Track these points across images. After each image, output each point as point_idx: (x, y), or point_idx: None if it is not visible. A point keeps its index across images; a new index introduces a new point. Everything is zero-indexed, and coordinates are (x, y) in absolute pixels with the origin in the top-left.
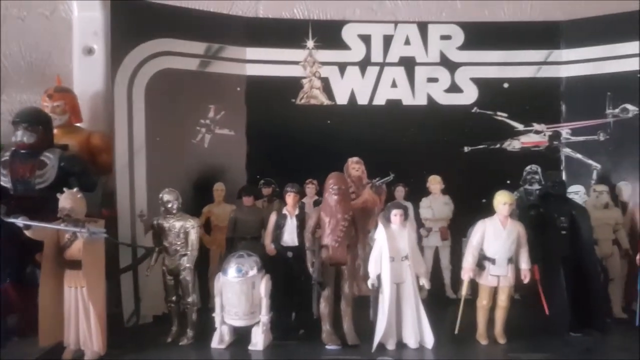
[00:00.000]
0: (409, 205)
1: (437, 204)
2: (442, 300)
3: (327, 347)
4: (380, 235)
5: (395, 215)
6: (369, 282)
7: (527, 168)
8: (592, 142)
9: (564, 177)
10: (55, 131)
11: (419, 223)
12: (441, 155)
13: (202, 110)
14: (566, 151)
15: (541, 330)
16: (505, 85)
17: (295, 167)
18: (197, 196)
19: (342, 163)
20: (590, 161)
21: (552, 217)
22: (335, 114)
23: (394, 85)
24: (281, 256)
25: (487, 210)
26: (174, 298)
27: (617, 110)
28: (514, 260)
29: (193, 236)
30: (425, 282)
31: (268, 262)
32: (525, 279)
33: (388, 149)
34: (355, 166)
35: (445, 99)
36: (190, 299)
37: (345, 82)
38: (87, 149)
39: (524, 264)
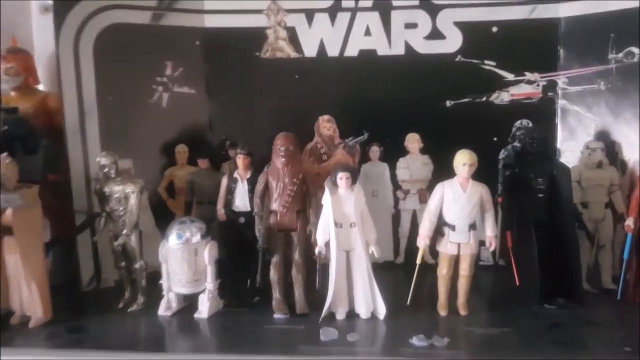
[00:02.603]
0: (385, 166)
1: (415, 165)
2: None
3: (275, 315)
4: (326, 201)
5: (341, 178)
6: (316, 250)
7: (517, 123)
8: (591, 92)
9: (559, 133)
10: (12, 94)
11: (396, 185)
12: (420, 110)
13: (157, 68)
14: (562, 103)
15: (512, 301)
16: (494, 29)
17: (262, 126)
18: (159, 159)
19: (313, 121)
20: (588, 114)
21: (528, 177)
22: (304, 68)
23: (367, 33)
24: (232, 222)
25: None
26: (123, 264)
27: (620, 55)
28: (477, 227)
29: (132, 201)
30: (374, 250)
31: (222, 228)
32: (491, 246)
33: (362, 105)
34: (326, 125)
35: (426, 48)
36: (137, 265)
37: (314, 32)
38: (44, 111)
39: (489, 230)
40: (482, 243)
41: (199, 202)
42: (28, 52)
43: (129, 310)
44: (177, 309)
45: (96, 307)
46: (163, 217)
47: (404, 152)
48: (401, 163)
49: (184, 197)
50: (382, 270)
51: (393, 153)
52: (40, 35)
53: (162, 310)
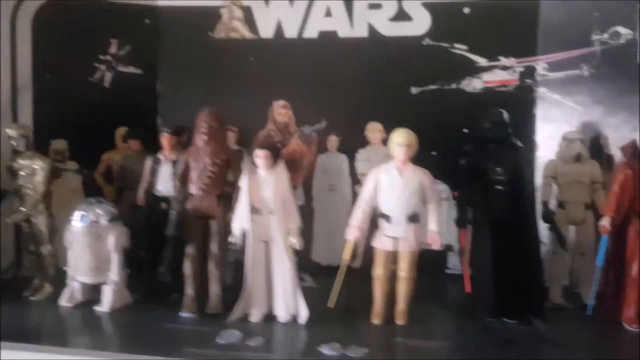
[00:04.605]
0: (344, 157)
1: (376, 157)
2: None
3: (181, 314)
4: (243, 183)
5: (259, 157)
6: (230, 239)
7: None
8: (573, 79)
9: (537, 124)
10: None
11: (355, 178)
12: (383, 98)
13: (101, 45)
14: (541, 91)
15: (467, 312)
16: (466, 10)
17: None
18: (97, 141)
19: (267, 107)
20: (570, 103)
21: (486, 167)
22: (259, 50)
23: (328, 14)
24: (153, 208)
25: (439, 164)
26: (31, 247)
27: (605, 36)
28: (419, 219)
29: (39, 178)
30: (294, 241)
31: (143, 215)
32: (434, 244)
33: (320, 91)
34: (281, 111)
35: (391, 30)
36: (44, 250)
37: (271, 12)
38: None
39: (431, 225)
40: (449, 248)
41: (129, 188)
42: None
43: (32, 299)
44: (81, 300)
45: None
46: None
47: (364, 142)
48: (361, 155)
49: (116, 182)
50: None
51: (353, 144)
52: None
53: (64, 301)
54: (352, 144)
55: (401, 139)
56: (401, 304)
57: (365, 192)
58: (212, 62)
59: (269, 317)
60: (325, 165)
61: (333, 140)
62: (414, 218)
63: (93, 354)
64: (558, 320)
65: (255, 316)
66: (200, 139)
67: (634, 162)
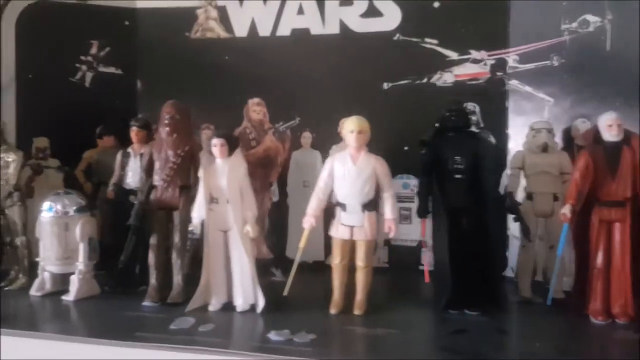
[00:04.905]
0: (317, 154)
1: None
2: None
3: (143, 303)
4: (201, 172)
5: (215, 145)
6: (190, 227)
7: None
8: (544, 70)
9: (508, 116)
10: None
11: None
12: (356, 94)
13: (82, 46)
14: (512, 84)
15: (430, 304)
16: (436, 4)
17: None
18: (78, 139)
19: (242, 105)
20: (541, 94)
21: (445, 156)
22: (234, 49)
23: (300, 12)
24: (121, 201)
25: (412, 159)
26: (6, 239)
27: (575, 25)
28: (375, 206)
29: (10, 170)
30: (250, 229)
31: (113, 208)
32: (391, 232)
33: (294, 88)
34: (255, 108)
35: (362, 26)
36: (18, 241)
37: (245, 11)
38: None
39: (387, 212)
40: (422, 244)
41: (105, 183)
42: None
43: (6, 289)
44: (51, 290)
45: None
46: None
47: (337, 138)
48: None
49: (94, 178)
50: (310, 270)
51: (326, 140)
52: None
53: (34, 290)
54: (326, 140)
55: (352, 126)
56: (359, 294)
57: (321, 180)
58: (189, 61)
59: (230, 307)
60: (300, 161)
61: (307, 137)
62: (369, 206)
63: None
64: (524, 313)
65: (214, 305)
66: (163, 131)
67: (596, 148)
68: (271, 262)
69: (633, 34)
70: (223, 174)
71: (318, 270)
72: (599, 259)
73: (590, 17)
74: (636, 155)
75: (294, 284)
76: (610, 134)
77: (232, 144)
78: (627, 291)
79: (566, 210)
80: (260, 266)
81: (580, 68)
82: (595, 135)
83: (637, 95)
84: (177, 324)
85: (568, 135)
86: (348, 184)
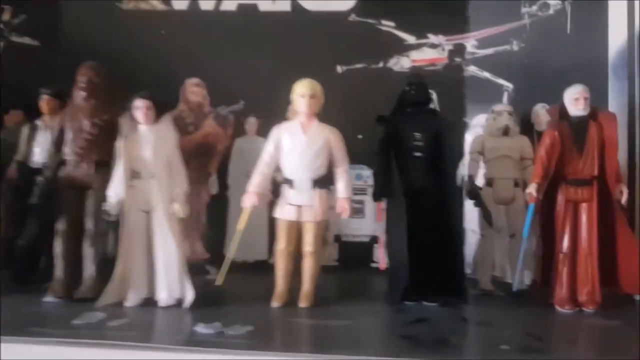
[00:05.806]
0: (263, 141)
1: None
2: None
3: (44, 299)
4: (120, 142)
5: (138, 108)
6: (105, 208)
7: None
8: (503, 55)
9: (466, 103)
10: None
11: None
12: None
13: None
14: (471, 70)
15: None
16: None
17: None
18: None
19: (178, 85)
20: (500, 80)
21: (403, 133)
22: (172, 22)
23: None
24: (26, 182)
25: (366, 147)
26: None
27: (534, 8)
28: (327, 184)
29: None
30: (179, 208)
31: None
32: (344, 212)
33: (238, 69)
34: (194, 89)
35: (314, 4)
36: None
37: None
38: None
39: (341, 190)
40: (376, 240)
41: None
42: None
43: None
44: None
45: None
46: None
47: None
48: None
49: None
50: (252, 271)
51: (273, 126)
52: None
53: None
54: (273, 126)
55: (303, 89)
56: (307, 284)
57: (266, 153)
58: (120, 35)
59: (152, 303)
60: (243, 149)
61: (251, 123)
62: (320, 183)
63: None
64: (486, 304)
65: (132, 300)
66: (78, 96)
67: (562, 123)
68: (206, 261)
69: (592, 15)
70: (148, 143)
71: (260, 269)
72: (565, 242)
73: (550, 0)
74: (603, 131)
75: (231, 281)
76: (576, 108)
77: (159, 108)
78: (594, 277)
79: (532, 189)
80: (194, 266)
81: (540, 51)
82: (561, 110)
83: (598, 79)
84: (82, 319)
85: (528, 121)
86: (297, 155)
